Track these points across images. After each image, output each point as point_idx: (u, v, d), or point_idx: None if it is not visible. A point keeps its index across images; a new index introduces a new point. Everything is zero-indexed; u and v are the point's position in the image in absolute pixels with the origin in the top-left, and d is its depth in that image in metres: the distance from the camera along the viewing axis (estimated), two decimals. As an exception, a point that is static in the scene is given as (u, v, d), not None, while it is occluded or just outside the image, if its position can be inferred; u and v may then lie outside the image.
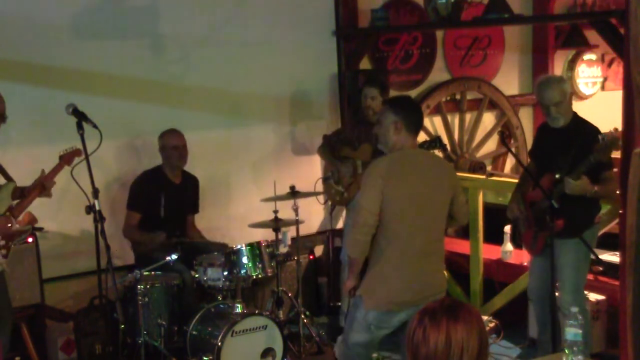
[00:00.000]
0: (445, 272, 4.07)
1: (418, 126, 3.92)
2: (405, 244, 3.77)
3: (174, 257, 4.76)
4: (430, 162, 3.95)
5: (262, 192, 5.55)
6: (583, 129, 4.55)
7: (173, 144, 5.30)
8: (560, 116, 4.53)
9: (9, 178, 4.46)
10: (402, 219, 3.76)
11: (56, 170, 4.48)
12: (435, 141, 5.21)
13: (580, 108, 7.86)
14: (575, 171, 4.29)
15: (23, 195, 4.43)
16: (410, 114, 3.88)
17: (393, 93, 6.69)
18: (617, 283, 4.67)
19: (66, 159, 4.51)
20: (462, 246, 6.05)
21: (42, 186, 4.42)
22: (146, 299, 4.71)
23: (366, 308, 3.81)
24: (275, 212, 5.20)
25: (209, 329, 4.73)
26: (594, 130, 4.48)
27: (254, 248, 4.92)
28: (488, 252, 5.72)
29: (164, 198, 5.28)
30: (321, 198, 5.73)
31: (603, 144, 4.22)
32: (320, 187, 5.69)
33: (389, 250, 3.79)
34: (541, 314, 4.79)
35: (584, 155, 4.28)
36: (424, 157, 3.98)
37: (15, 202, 4.40)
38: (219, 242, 5.44)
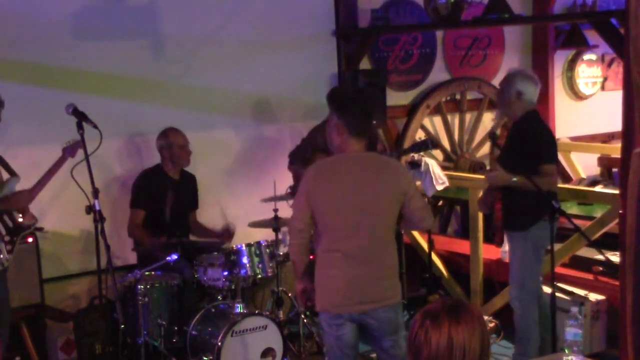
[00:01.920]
0: (396, 280, 3.83)
1: (362, 129, 3.76)
2: (335, 246, 3.72)
3: (174, 257, 4.76)
4: (371, 166, 3.75)
5: (262, 192, 5.54)
6: (523, 126, 4.63)
7: (180, 143, 5.30)
8: (497, 102, 4.87)
9: (12, 173, 4.48)
10: (330, 221, 3.72)
11: (60, 162, 4.53)
12: (425, 142, 5.15)
13: (580, 108, 7.93)
14: (492, 165, 4.43)
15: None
16: (353, 118, 3.75)
17: (393, 93, 6.73)
18: (617, 283, 4.68)
19: (70, 150, 4.54)
20: (462, 246, 6.05)
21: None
22: (146, 299, 4.71)
23: (317, 309, 3.85)
24: (275, 211, 5.20)
25: (209, 329, 4.73)
26: (528, 128, 4.58)
27: (254, 248, 4.93)
28: (488, 252, 5.71)
29: (168, 195, 5.29)
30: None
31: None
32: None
33: (321, 252, 3.79)
34: None
35: (517, 149, 4.52)
36: (364, 161, 3.76)
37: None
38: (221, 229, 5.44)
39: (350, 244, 3.69)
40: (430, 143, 5.11)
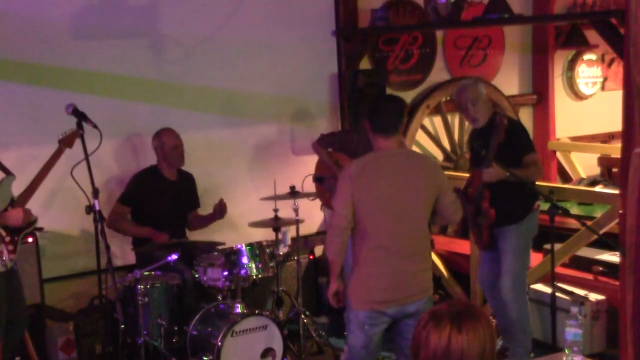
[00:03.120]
0: (432, 272, 4.01)
1: (388, 128, 3.83)
2: (380, 244, 3.77)
3: (174, 257, 4.77)
4: (407, 163, 3.88)
5: (262, 192, 5.54)
6: (497, 123, 4.74)
7: (172, 144, 5.30)
8: (478, 116, 4.77)
9: (7, 172, 4.48)
10: (374, 219, 3.77)
11: (57, 155, 4.52)
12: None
13: (580, 108, 7.92)
14: (486, 160, 4.54)
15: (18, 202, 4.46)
16: (376, 117, 3.85)
17: (393, 93, 6.71)
18: (617, 283, 4.68)
19: (66, 141, 4.53)
20: (462, 246, 6.05)
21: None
22: (146, 299, 4.71)
23: (354, 308, 3.85)
24: (275, 211, 5.20)
25: (209, 329, 4.73)
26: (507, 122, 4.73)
27: (254, 248, 4.93)
28: (488, 252, 5.70)
29: (163, 196, 5.29)
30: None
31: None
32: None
33: (365, 251, 3.81)
34: (493, 303, 5.00)
35: (501, 145, 4.56)
36: (400, 158, 3.89)
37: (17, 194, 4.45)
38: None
39: (395, 241, 3.77)
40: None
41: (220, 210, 5.43)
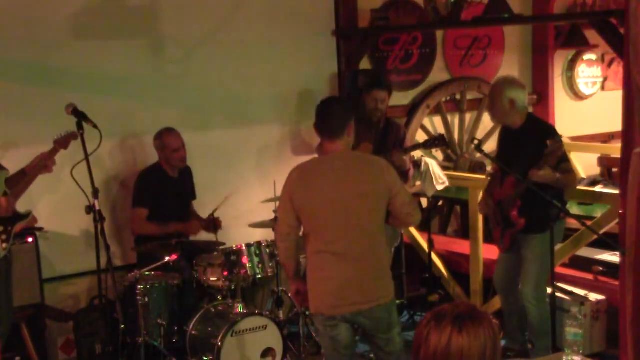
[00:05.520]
0: (390, 280, 3.85)
1: (325, 130, 3.77)
2: (323, 249, 3.73)
3: (174, 257, 4.77)
4: (351, 166, 3.75)
5: (262, 192, 5.55)
6: (533, 129, 4.72)
7: (174, 147, 5.28)
8: (492, 113, 4.83)
9: (1, 167, 4.47)
10: (314, 223, 3.74)
11: (51, 153, 4.50)
12: (438, 139, 5.17)
13: (580, 108, 7.93)
14: (540, 164, 4.44)
15: (24, 173, 4.44)
16: (318, 119, 3.82)
17: (393, 93, 6.71)
18: (617, 283, 4.68)
19: (61, 142, 4.52)
20: (462, 246, 6.05)
21: (42, 166, 4.46)
22: (146, 299, 4.71)
23: (311, 312, 3.90)
24: (275, 212, 5.20)
25: (209, 329, 4.73)
26: (543, 130, 4.69)
27: (254, 248, 4.93)
28: (488, 252, 5.71)
29: (168, 194, 5.29)
30: None
31: (550, 150, 4.42)
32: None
33: (311, 256, 3.82)
34: (506, 304, 5.03)
35: (535, 153, 4.48)
36: (344, 161, 3.75)
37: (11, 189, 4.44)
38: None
39: (339, 245, 3.70)
40: (442, 140, 5.11)
41: (211, 225, 5.40)
